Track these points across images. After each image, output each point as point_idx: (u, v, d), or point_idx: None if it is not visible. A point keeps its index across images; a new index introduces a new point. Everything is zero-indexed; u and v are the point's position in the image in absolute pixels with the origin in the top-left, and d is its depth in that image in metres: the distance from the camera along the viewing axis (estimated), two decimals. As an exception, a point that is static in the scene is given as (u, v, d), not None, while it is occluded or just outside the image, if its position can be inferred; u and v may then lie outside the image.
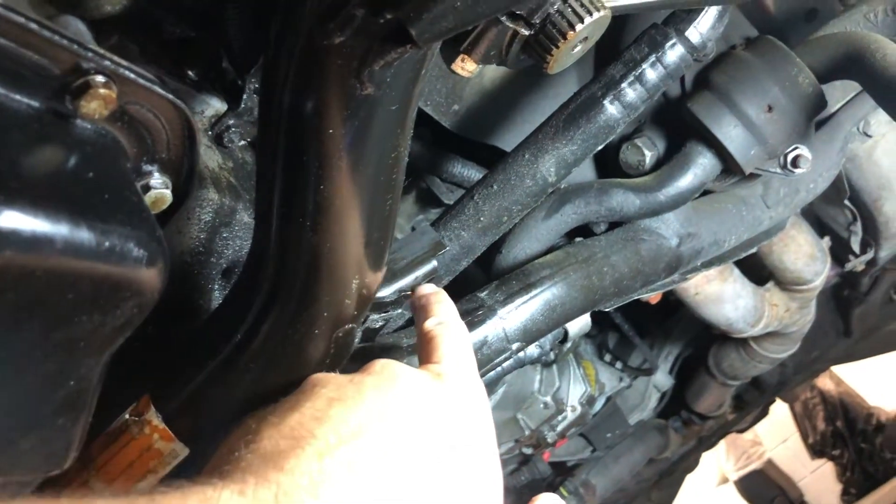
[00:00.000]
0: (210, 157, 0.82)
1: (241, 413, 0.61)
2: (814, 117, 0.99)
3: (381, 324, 0.79)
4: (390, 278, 0.78)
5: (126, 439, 0.65)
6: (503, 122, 1.07)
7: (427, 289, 0.72)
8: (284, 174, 0.58)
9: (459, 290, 0.91)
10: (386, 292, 0.76)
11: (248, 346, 0.64)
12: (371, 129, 0.55)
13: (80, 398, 0.52)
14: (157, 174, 0.55)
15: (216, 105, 0.85)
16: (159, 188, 0.55)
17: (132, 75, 0.49)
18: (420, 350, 0.65)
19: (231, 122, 0.86)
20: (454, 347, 0.63)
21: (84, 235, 0.45)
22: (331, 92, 0.53)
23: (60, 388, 0.51)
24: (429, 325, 0.65)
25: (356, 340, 0.71)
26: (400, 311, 0.80)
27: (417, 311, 0.69)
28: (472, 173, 1.15)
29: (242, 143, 0.88)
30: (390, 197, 0.60)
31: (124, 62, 0.49)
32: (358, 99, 0.53)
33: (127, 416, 0.66)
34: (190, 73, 0.87)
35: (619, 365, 1.99)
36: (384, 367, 0.59)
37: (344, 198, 0.57)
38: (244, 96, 0.86)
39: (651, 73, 0.85)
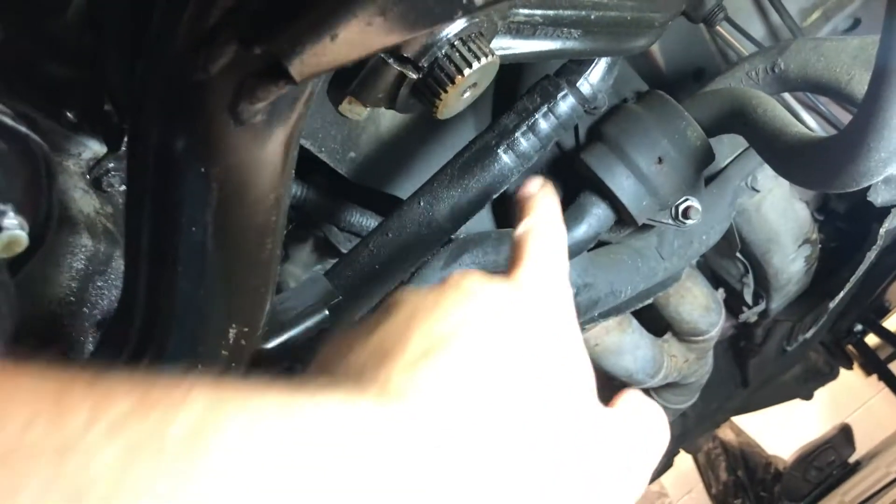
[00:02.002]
0: (86, 202, 0.78)
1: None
2: (702, 170, 1.02)
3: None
4: (278, 329, 0.75)
5: None
6: (400, 170, 1.06)
7: (527, 188, 0.67)
8: (154, 216, 0.55)
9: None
10: (272, 344, 0.73)
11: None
12: (247, 169, 0.52)
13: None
14: (10, 214, 0.51)
15: (95, 148, 0.81)
16: (12, 230, 0.51)
17: (-23, 106, 0.45)
18: (510, 256, 0.63)
19: (111, 165, 0.82)
20: (538, 256, 0.61)
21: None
22: (202, 130, 0.50)
23: None
24: (519, 231, 0.63)
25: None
26: (287, 363, 0.77)
27: (514, 215, 0.66)
28: (370, 222, 1.13)
29: (123, 187, 0.84)
30: (270, 241, 0.57)
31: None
32: (231, 138, 0.50)
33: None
34: (68, 114, 0.83)
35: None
36: (461, 281, 0.56)
37: (217, 242, 0.54)
38: (125, 139, 0.82)
39: (543, 124, 0.86)
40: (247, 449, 0.35)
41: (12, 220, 0.51)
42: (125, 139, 0.83)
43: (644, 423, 0.58)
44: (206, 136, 0.50)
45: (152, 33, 0.52)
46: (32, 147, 0.50)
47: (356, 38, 0.46)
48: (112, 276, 0.76)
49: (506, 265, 1.03)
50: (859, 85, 0.87)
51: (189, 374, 0.36)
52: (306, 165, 1.01)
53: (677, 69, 1.24)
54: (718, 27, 1.32)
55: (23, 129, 0.48)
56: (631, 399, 0.60)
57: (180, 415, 0.34)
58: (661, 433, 0.58)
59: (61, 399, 0.32)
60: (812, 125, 1.39)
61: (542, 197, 0.67)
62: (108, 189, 0.82)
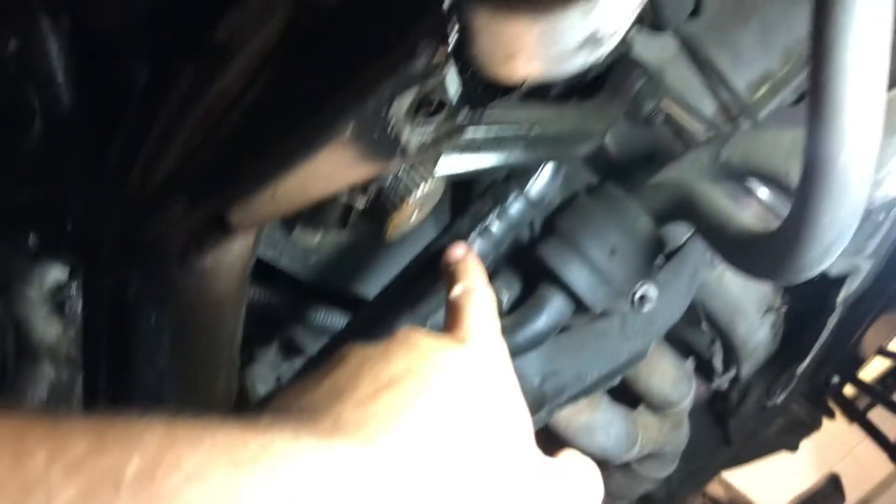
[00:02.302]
0: (48, 330, 0.79)
1: None
2: (655, 257, 1.05)
3: None
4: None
5: None
6: (362, 271, 1.08)
7: (454, 254, 0.72)
8: (109, 359, 0.56)
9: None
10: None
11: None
12: (197, 311, 0.54)
13: None
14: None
15: (57, 273, 0.82)
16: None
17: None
18: (446, 318, 0.67)
19: (73, 289, 0.83)
20: (477, 315, 0.65)
21: None
22: (152, 278, 0.52)
23: None
24: (454, 293, 0.67)
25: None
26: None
27: (445, 279, 0.70)
28: (336, 320, 1.14)
29: (86, 308, 0.85)
30: (223, 375, 0.59)
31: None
32: (181, 284, 0.52)
33: None
34: (29, 239, 0.84)
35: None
36: (408, 335, 0.59)
37: (171, 381, 0.55)
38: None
39: (496, 226, 0.88)
40: (200, 485, 0.36)
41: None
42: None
43: (580, 476, 0.61)
44: (157, 283, 0.52)
45: (104, 185, 0.55)
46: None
47: (296, 192, 0.48)
48: (75, 403, 0.77)
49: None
50: (796, 178, 0.90)
51: (144, 414, 0.37)
52: (268, 268, 1.03)
53: (629, 155, 1.27)
54: (671, 108, 1.37)
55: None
56: (569, 454, 0.64)
57: (135, 453, 0.35)
58: (595, 486, 0.63)
59: (21, 440, 0.34)
60: (766, 200, 1.43)
61: (471, 262, 0.72)
62: (71, 313, 0.83)
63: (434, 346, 0.58)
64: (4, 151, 0.83)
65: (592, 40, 0.48)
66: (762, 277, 0.82)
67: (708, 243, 0.92)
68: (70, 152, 0.77)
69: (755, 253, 0.81)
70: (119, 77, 0.73)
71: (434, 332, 0.61)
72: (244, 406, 0.81)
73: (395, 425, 0.49)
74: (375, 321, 0.90)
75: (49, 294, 0.81)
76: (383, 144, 0.47)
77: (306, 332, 1.15)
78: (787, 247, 0.74)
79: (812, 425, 2.86)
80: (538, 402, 1.08)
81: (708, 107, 1.52)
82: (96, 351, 0.56)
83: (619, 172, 1.20)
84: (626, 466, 1.94)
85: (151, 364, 0.55)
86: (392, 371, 0.54)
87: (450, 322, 0.66)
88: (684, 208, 0.97)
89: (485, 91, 0.49)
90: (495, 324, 0.67)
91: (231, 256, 0.54)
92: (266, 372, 1.16)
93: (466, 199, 0.99)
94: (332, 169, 0.48)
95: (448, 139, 0.50)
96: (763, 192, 1.41)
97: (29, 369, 0.72)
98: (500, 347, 0.65)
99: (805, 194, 0.71)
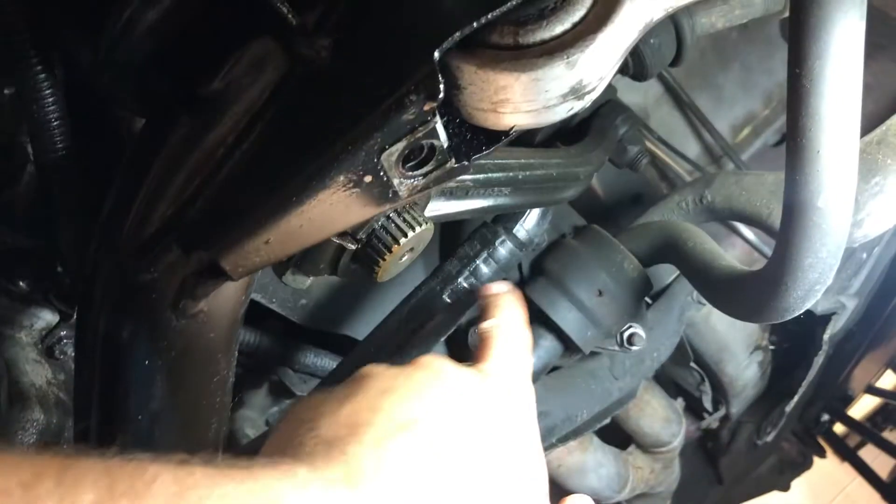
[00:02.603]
0: (38, 374, 0.79)
1: None
2: (642, 298, 1.06)
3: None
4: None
5: None
6: (352, 313, 1.09)
7: (494, 288, 0.73)
8: (101, 401, 0.56)
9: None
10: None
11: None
12: (190, 357, 0.55)
13: None
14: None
15: (47, 317, 0.83)
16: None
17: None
18: (476, 349, 0.67)
19: (63, 332, 0.83)
20: (504, 349, 0.65)
21: None
22: (145, 324, 0.52)
23: None
24: (485, 326, 0.68)
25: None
26: None
27: (481, 311, 0.71)
28: (326, 362, 1.15)
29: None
30: (215, 420, 0.59)
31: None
32: (174, 330, 0.53)
33: None
34: (21, 283, 0.85)
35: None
36: (431, 363, 0.60)
37: (163, 427, 0.55)
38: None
39: (484, 268, 0.90)
40: None
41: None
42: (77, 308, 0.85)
43: None
44: (150, 330, 0.52)
45: (99, 231, 0.55)
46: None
47: (288, 240, 0.49)
48: (64, 447, 0.77)
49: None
50: (778, 220, 0.92)
51: (154, 461, 0.37)
52: (259, 311, 1.03)
53: (616, 196, 1.29)
54: (655, 149, 1.39)
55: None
56: (576, 500, 0.65)
57: None
58: None
59: (32, 489, 0.34)
60: (751, 238, 1.45)
61: (509, 297, 0.72)
62: (61, 357, 0.83)
63: (457, 377, 0.59)
64: (-2, 198, 0.84)
65: (577, 90, 0.50)
66: (747, 318, 0.83)
67: (693, 284, 0.94)
68: (62, 199, 0.78)
69: (739, 294, 0.82)
70: (112, 125, 0.75)
71: (458, 363, 0.62)
72: (233, 450, 0.81)
73: (409, 475, 0.49)
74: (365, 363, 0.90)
75: (39, 338, 0.82)
76: (375, 191, 0.48)
77: (296, 374, 1.16)
78: (771, 288, 0.75)
79: (803, 464, 2.85)
80: (528, 443, 1.08)
81: (692, 148, 1.55)
82: (88, 394, 0.57)
83: (605, 214, 1.22)
84: (617, 507, 1.93)
85: (144, 408, 0.55)
86: (413, 406, 0.54)
87: (477, 354, 0.66)
88: (669, 250, 0.98)
89: (473, 138, 0.51)
90: (525, 362, 0.67)
91: (224, 302, 0.54)
92: (255, 415, 1.16)
93: (454, 241, 1.00)
94: (325, 216, 0.49)
95: (438, 185, 0.51)
96: (747, 231, 1.44)
97: (18, 413, 0.72)
98: (525, 385, 0.65)
99: (786, 236, 0.72)
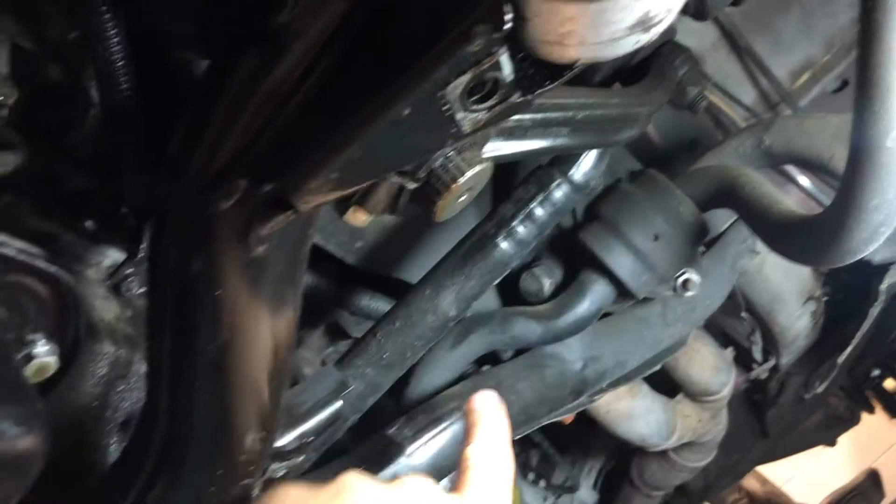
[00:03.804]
0: (106, 309, 0.82)
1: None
2: (698, 243, 1.05)
3: (283, 472, 0.78)
4: (291, 424, 0.78)
5: None
6: (406, 256, 1.10)
7: (477, 402, 0.71)
8: (174, 334, 0.58)
9: (372, 421, 0.91)
10: (286, 440, 0.76)
11: (139, 510, 0.62)
12: (260, 290, 0.56)
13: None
14: (41, 343, 0.55)
15: (114, 255, 0.85)
16: (42, 357, 0.55)
17: (11, 252, 0.49)
18: (457, 472, 0.65)
19: (130, 270, 0.86)
20: (482, 475, 0.64)
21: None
22: (217, 256, 0.54)
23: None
24: (467, 452, 0.66)
25: (256, 492, 0.70)
26: (304, 457, 0.79)
27: (465, 430, 0.69)
28: (381, 305, 1.16)
29: (142, 290, 0.88)
30: (284, 352, 0.61)
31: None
32: (245, 262, 0.54)
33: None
34: (87, 223, 0.87)
35: (542, 483, 1.98)
36: (415, 484, 0.59)
37: (235, 358, 0.57)
38: (143, 244, 0.86)
39: (539, 211, 0.90)
40: None
41: (42, 348, 0.54)
42: (143, 244, 0.87)
43: None
44: (220, 262, 0.54)
45: (169, 165, 0.57)
46: (61, 282, 0.54)
47: (352, 174, 0.50)
48: (133, 379, 0.80)
49: (512, 344, 1.06)
50: (840, 163, 0.90)
51: None
52: (316, 254, 1.05)
53: (672, 142, 1.28)
54: (711, 95, 1.36)
55: (53, 268, 0.52)
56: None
57: None
58: None
59: None
60: (808, 186, 1.42)
61: (487, 418, 0.70)
62: (128, 293, 0.85)
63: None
64: (63, 139, 0.86)
65: (644, 22, 0.49)
66: (807, 262, 0.83)
67: (751, 229, 0.93)
68: (127, 139, 0.79)
69: (800, 237, 0.81)
70: (176, 66, 0.76)
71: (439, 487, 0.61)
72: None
73: None
74: (423, 312, 0.91)
75: (107, 275, 0.84)
76: (439, 125, 0.48)
77: (351, 316, 1.18)
78: (834, 230, 0.75)
79: (851, 420, 2.82)
80: (579, 387, 1.09)
81: (748, 95, 1.51)
82: (160, 326, 0.59)
83: (660, 160, 1.21)
84: (663, 455, 1.93)
85: (212, 342, 0.57)
86: None
87: (459, 479, 0.65)
88: (727, 194, 0.97)
89: (537, 73, 0.51)
90: (504, 483, 0.66)
91: (290, 236, 0.56)
92: (311, 356, 1.19)
93: (507, 186, 1.00)
94: (389, 149, 0.49)
95: (500, 120, 0.51)
96: (804, 180, 1.41)
97: (90, 346, 0.75)
98: None
99: (852, 176, 0.71)
